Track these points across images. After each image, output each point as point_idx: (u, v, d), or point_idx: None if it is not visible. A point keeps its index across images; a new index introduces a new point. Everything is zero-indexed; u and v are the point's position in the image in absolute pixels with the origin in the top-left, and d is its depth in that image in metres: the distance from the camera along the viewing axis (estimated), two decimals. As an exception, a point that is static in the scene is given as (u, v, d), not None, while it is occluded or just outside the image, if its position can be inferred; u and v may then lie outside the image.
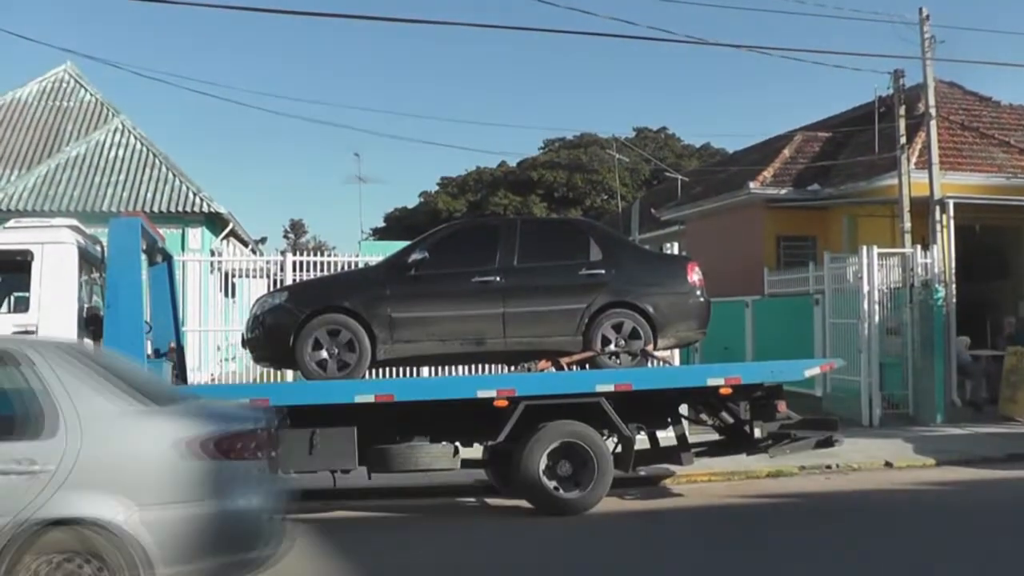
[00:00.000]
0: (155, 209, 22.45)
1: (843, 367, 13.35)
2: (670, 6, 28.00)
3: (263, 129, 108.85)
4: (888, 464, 12.71)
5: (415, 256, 9.95)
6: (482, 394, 9.43)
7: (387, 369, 12.81)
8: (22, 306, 9.18)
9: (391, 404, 9.27)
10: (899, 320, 16.87)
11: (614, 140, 52.22)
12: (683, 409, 10.82)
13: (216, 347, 16.35)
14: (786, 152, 25.94)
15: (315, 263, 14.92)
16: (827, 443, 10.57)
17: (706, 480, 11.77)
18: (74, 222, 9.81)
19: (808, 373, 10.86)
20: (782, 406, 10.30)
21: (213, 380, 15.53)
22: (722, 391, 10.05)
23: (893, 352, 16.82)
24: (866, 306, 16.54)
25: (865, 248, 16.73)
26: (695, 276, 10.52)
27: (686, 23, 53.27)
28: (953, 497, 10.95)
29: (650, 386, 9.93)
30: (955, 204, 17.99)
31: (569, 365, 10.09)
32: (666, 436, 10.75)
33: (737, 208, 25.30)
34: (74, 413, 5.39)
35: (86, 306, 9.58)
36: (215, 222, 24.37)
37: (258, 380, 14.58)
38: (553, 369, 10.16)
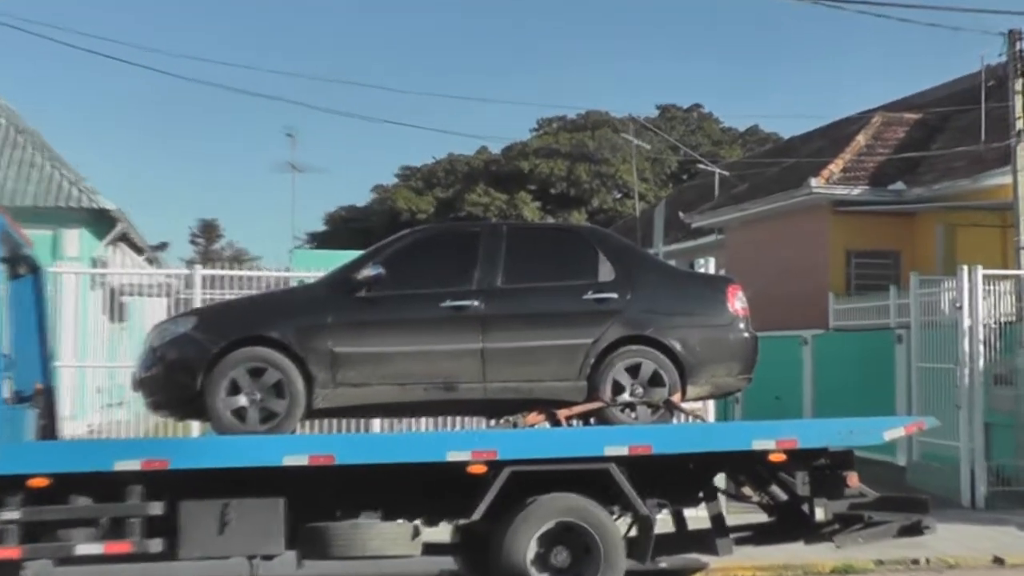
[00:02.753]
0: (19, 203, 22.39)
1: (935, 428, 13.41)
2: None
3: (165, 100, 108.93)
4: (998, 560, 12.73)
5: (367, 272, 10.00)
6: (453, 457, 9.45)
7: (327, 422, 12.79)
8: None
9: (331, 468, 9.28)
10: (1011, 366, 16.93)
11: (631, 121, 52.57)
12: (720, 481, 10.86)
13: (97, 389, 16.31)
14: (861, 139, 26.14)
15: (233, 278, 14.95)
16: (914, 530, 10.60)
17: (750, 576, 11.81)
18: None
19: (889, 435, 10.89)
20: (853, 479, 10.34)
21: (92, 432, 15.49)
22: (772, 457, 10.10)
23: (1003, 408, 16.82)
24: (967, 346, 16.59)
25: (966, 268, 16.77)
26: (738, 303, 10.61)
27: (730, -34, 53.61)
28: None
29: (676, 449, 9.96)
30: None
31: (569, 419, 10.14)
32: (697, 516, 10.79)
33: (794, 213, 25.49)
34: None
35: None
36: (100, 222, 24.38)
37: (152, 434, 14.55)
38: (547, 425, 10.20)
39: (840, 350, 21.39)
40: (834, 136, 28.56)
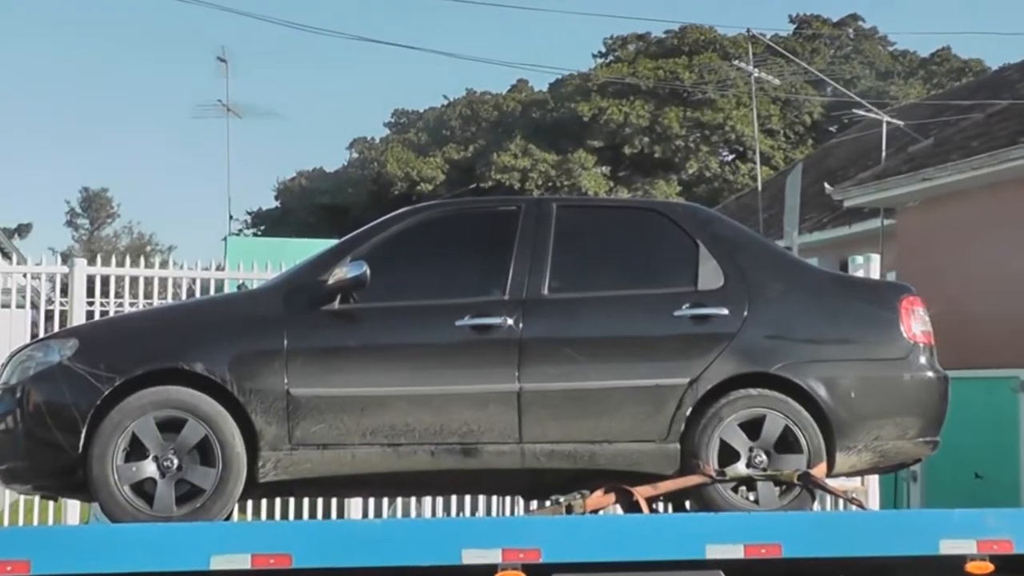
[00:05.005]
0: None
1: None
2: None
3: (30, 8, 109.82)
4: None
5: (342, 272, 10.03)
6: (472, 558, 9.42)
7: (280, 502, 12.86)
8: None
9: (286, 574, 9.33)
10: None
11: (750, 41, 52.40)
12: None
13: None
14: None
15: (134, 280, 15.03)
16: None
17: None
18: None
19: None
20: (1103, 604, 10.32)
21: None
22: (973, 567, 10.01)
23: None
24: None
25: None
26: (916, 325, 10.61)
27: None
28: None
29: (820, 552, 9.90)
30: None
31: (651, 501, 10.16)
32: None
33: (1008, 186, 25.40)
34: None
35: None
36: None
37: (7, 520, 14.63)
38: (618, 510, 10.22)
39: (1082, 401, 21.30)
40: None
